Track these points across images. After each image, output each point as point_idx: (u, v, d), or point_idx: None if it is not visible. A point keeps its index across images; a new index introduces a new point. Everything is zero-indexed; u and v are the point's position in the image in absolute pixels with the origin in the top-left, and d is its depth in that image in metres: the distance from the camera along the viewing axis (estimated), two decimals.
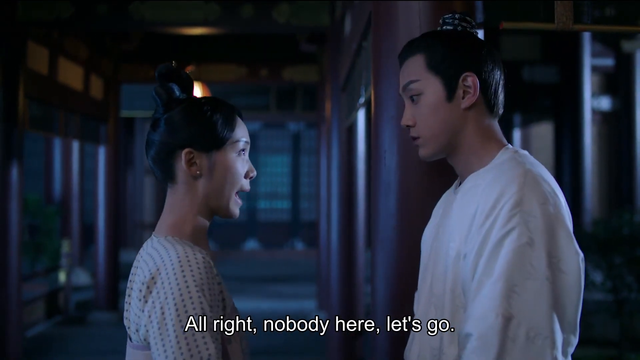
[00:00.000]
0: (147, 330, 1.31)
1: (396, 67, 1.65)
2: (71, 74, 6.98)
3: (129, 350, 1.42)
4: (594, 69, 9.55)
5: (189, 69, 7.64)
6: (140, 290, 1.34)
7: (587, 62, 8.95)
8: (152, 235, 1.46)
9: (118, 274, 8.24)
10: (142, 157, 14.40)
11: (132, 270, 1.44)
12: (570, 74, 9.03)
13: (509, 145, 1.50)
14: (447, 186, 1.59)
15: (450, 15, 1.52)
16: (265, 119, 13.28)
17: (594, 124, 10.42)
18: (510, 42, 8.80)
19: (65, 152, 10.33)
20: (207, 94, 7.73)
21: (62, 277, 8.28)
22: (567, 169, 9.16)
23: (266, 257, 14.75)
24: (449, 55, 1.47)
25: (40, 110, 6.17)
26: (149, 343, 1.33)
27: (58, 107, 6.62)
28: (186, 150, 1.41)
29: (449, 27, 1.52)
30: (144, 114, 10.80)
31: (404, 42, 1.59)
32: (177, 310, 1.27)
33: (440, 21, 1.53)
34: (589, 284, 6.32)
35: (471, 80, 1.46)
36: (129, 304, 1.40)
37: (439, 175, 1.65)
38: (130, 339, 1.41)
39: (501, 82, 1.50)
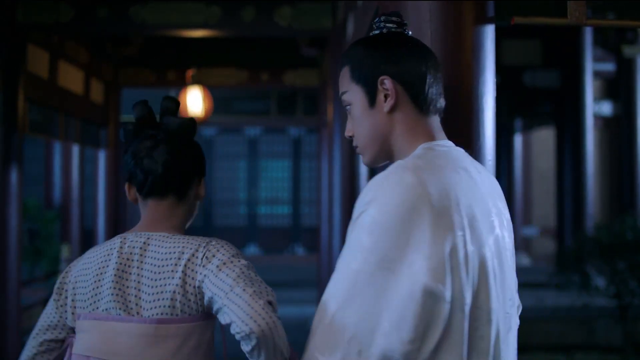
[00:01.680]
0: (215, 294, 1.51)
1: None
2: (71, 78, 6.95)
3: (135, 331, 1.54)
4: (595, 74, 9.53)
5: (190, 73, 7.62)
6: (200, 259, 1.57)
7: (589, 67, 8.93)
8: (147, 233, 1.64)
9: None
10: None
11: (115, 265, 1.59)
12: (571, 79, 9.01)
13: (435, 141, 1.44)
14: None
15: (377, 18, 1.51)
16: (266, 123, 13.25)
17: (595, 129, 10.40)
18: (512, 47, 8.78)
19: (65, 157, 10.27)
20: (209, 99, 7.71)
21: None
22: (568, 174, 9.13)
23: (266, 262, 14.66)
24: (366, 61, 1.45)
25: (40, 113, 6.13)
26: (182, 313, 1.54)
27: (58, 111, 6.58)
28: (203, 178, 1.73)
29: (376, 32, 1.50)
30: None
31: (414, 35, 1.56)
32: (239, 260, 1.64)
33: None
34: (592, 289, 6.28)
35: (388, 83, 1.43)
36: (139, 289, 1.57)
37: None
38: (139, 313, 1.55)
39: (429, 77, 1.44)
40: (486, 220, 1.38)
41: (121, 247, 1.60)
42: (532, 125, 12.38)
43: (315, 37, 6.93)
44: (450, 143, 1.47)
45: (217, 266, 1.54)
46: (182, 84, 7.89)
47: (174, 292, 1.53)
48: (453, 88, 1.61)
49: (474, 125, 1.61)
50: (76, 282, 1.63)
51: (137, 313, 1.55)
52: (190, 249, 1.56)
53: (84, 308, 1.61)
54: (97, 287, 1.59)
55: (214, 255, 1.56)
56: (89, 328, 1.59)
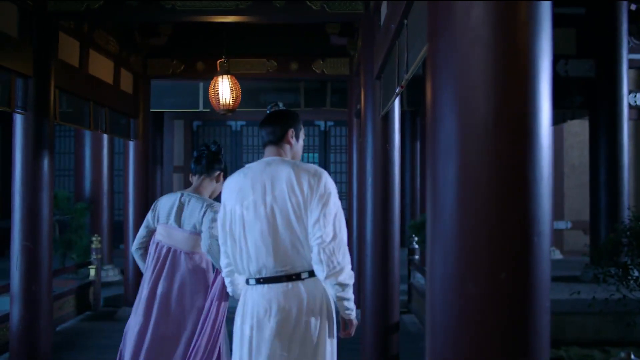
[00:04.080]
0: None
1: (457, 15, 1.53)
2: (101, 67, 6.94)
3: (181, 234, 3.77)
4: (630, 64, 9.29)
5: (220, 62, 7.56)
6: (204, 211, 3.71)
7: (625, 57, 8.71)
8: (191, 193, 3.86)
9: None
10: (171, 154, 14.39)
11: (177, 204, 3.82)
12: (606, 69, 8.79)
13: (261, 159, 3.06)
14: (515, 152, 1.46)
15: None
16: None
17: (629, 119, 10.14)
18: None
19: (95, 150, 10.32)
20: (238, 89, 7.66)
21: (92, 272, 8.25)
22: (603, 166, 8.92)
23: None
24: None
25: (70, 102, 6.12)
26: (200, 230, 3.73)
27: (88, 100, 6.57)
28: (221, 172, 3.96)
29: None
30: (173, 110, 10.76)
31: None
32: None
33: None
34: (631, 281, 6.09)
35: None
36: (184, 217, 3.79)
37: (506, 141, 1.50)
38: (182, 227, 3.77)
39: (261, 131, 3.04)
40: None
41: (181, 196, 3.78)
42: (564, 117, 12.13)
43: (347, 22, 6.83)
44: (268, 159, 2.96)
45: (210, 218, 3.62)
46: (211, 75, 7.85)
47: (197, 222, 3.63)
48: (507, 47, 1.52)
49: (529, 87, 1.51)
50: (159, 207, 3.80)
51: (182, 227, 3.71)
52: (204, 206, 3.67)
53: (161, 220, 3.78)
54: (169, 212, 3.75)
55: (209, 212, 3.64)
56: (162, 229, 3.78)
